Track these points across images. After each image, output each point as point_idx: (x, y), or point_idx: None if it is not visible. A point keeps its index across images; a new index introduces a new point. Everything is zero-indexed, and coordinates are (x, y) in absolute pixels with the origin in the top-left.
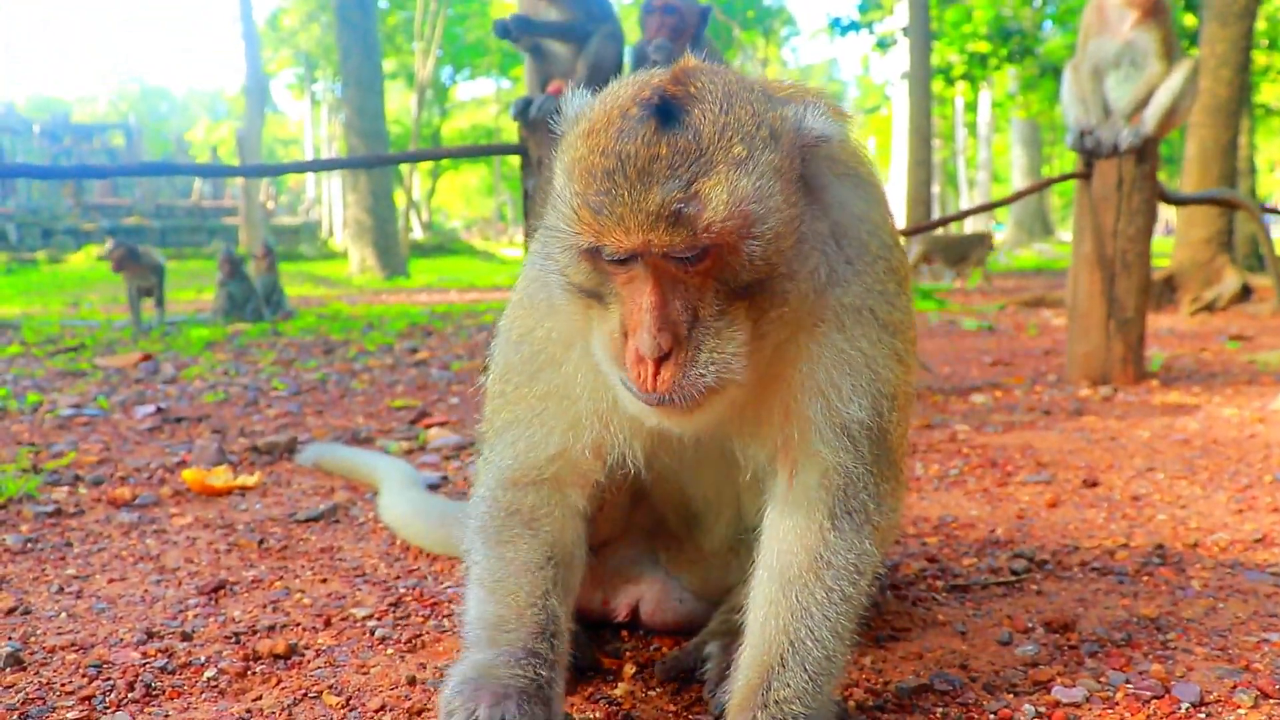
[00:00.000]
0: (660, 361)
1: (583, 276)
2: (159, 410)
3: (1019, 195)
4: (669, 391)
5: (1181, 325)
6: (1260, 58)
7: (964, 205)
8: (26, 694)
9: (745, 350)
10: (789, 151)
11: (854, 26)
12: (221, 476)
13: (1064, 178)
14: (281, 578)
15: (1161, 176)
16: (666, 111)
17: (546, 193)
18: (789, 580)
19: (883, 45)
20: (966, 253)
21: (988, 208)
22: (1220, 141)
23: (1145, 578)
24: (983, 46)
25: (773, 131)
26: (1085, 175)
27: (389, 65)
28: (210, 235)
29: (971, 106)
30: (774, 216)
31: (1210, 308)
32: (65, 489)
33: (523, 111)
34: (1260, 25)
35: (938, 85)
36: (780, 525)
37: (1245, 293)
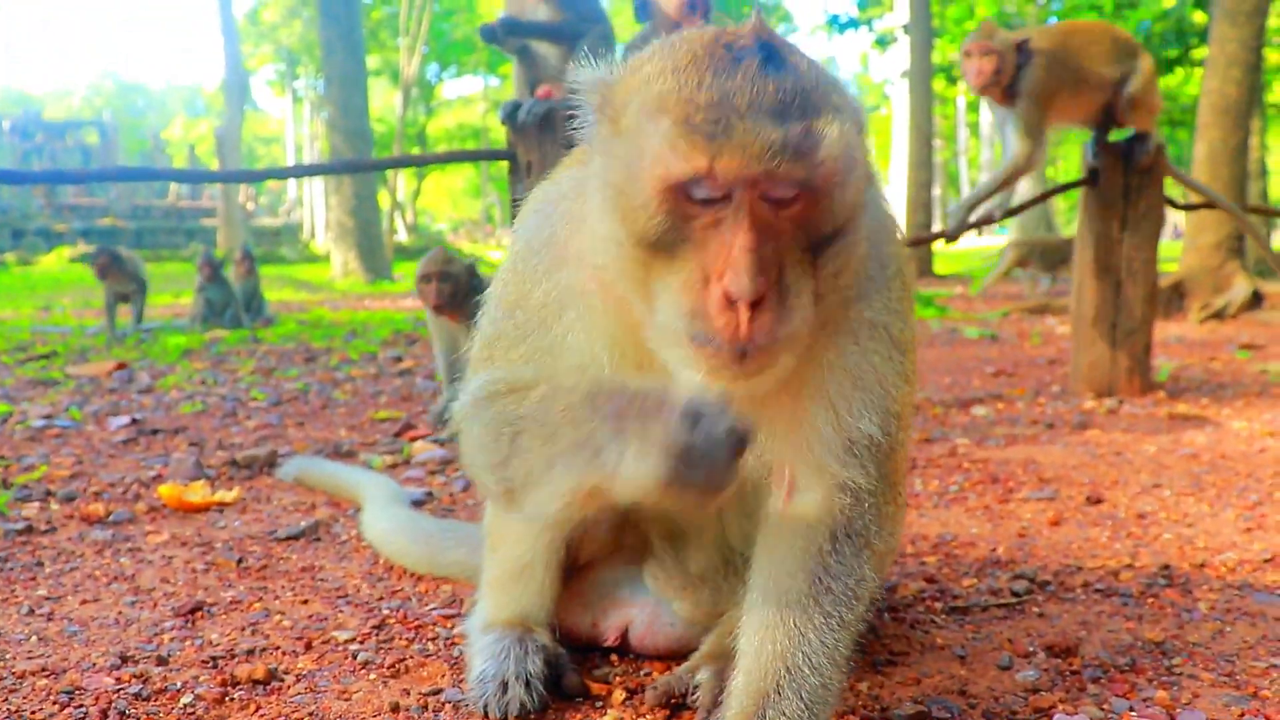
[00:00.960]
0: (754, 307)
1: (657, 221)
2: (134, 421)
3: (1025, 207)
4: (763, 338)
5: (1190, 333)
6: (1273, 56)
7: None
8: None
9: (811, 313)
10: (857, 120)
11: (853, 23)
12: (199, 492)
13: (1068, 186)
14: (261, 599)
15: (1169, 180)
16: (769, 51)
17: (612, 138)
18: (786, 605)
19: (882, 43)
20: (1066, 256)
21: (992, 221)
22: (1230, 143)
23: (1150, 599)
24: None
25: (847, 97)
26: (1090, 182)
27: (373, 62)
28: (188, 237)
29: (974, 106)
30: (860, 169)
31: (1220, 315)
32: (36, 505)
33: (511, 115)
34: (1273, 23)
35: (939, 84)
36: (778, 547)
37: (1256, 300)
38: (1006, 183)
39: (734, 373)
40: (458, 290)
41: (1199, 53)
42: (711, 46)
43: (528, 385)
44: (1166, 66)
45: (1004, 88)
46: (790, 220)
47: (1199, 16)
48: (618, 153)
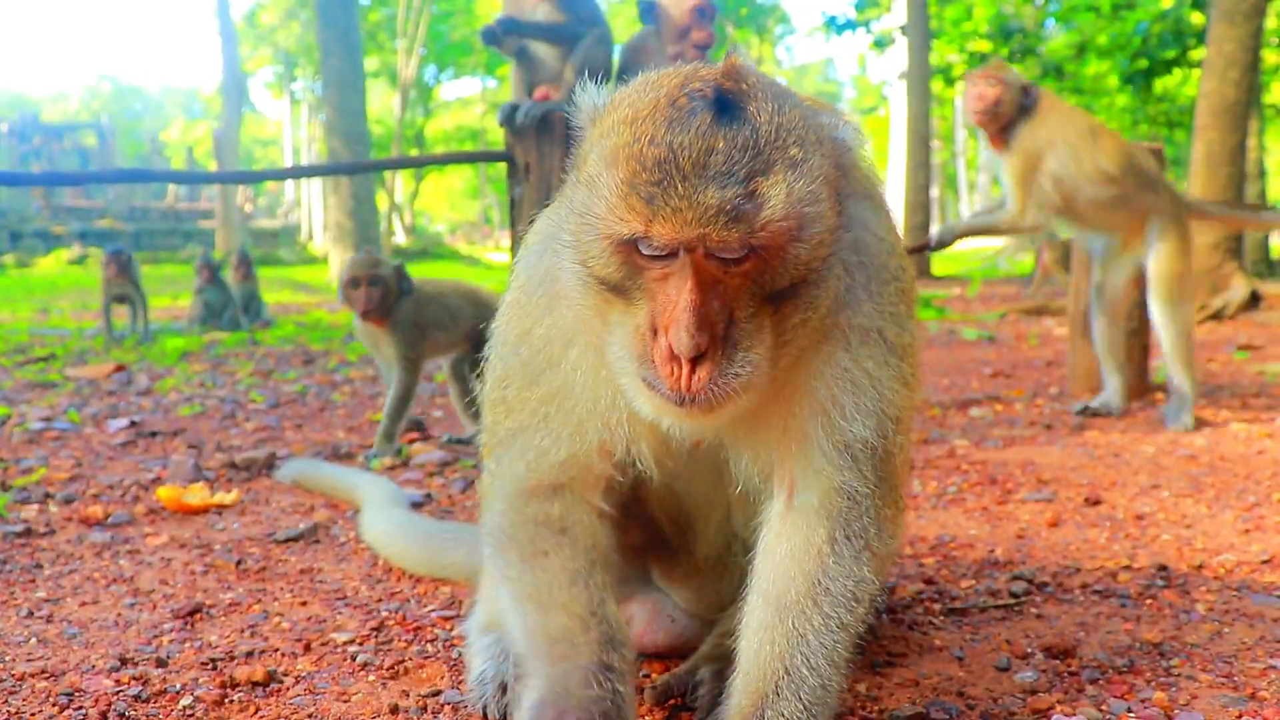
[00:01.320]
0: (694, 361)
1: (611, 269)
2: (133, 424)
3: None
4: (700, 392)
5: None
6: (1271, 57)
7: (963, 208)
8: None
9: (771, 356)
10: (830, 160)
11: (850, 25)
12: (198, 494)
13: None
14: (260, 600)
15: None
16: (724, 104)
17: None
18: (785, 606)
19: (880, 44)
20: None
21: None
22: (1228, 144)
23: (1148, 601)
24: (983, 45)
25: (818, 138)
26: None
27: (371, 64)
28: (186, 239)
29: None
30: (821, 222)
31: (1218, 316)
32: (35, 507)
33: (509, 117)
34: (1270, 24)
35: (937, 85)
36: (777, 548)
37: (1254, 300)
38: (996, 231)
39: (680, 414)
40: (387, 295)
41: (1196, 54)
42: (674, 94)
43: (555, 481)
44: (1164, 67)
45: (1000, 126)
46: (741, 276)
47: (1197, 17)
48: (579, 198)
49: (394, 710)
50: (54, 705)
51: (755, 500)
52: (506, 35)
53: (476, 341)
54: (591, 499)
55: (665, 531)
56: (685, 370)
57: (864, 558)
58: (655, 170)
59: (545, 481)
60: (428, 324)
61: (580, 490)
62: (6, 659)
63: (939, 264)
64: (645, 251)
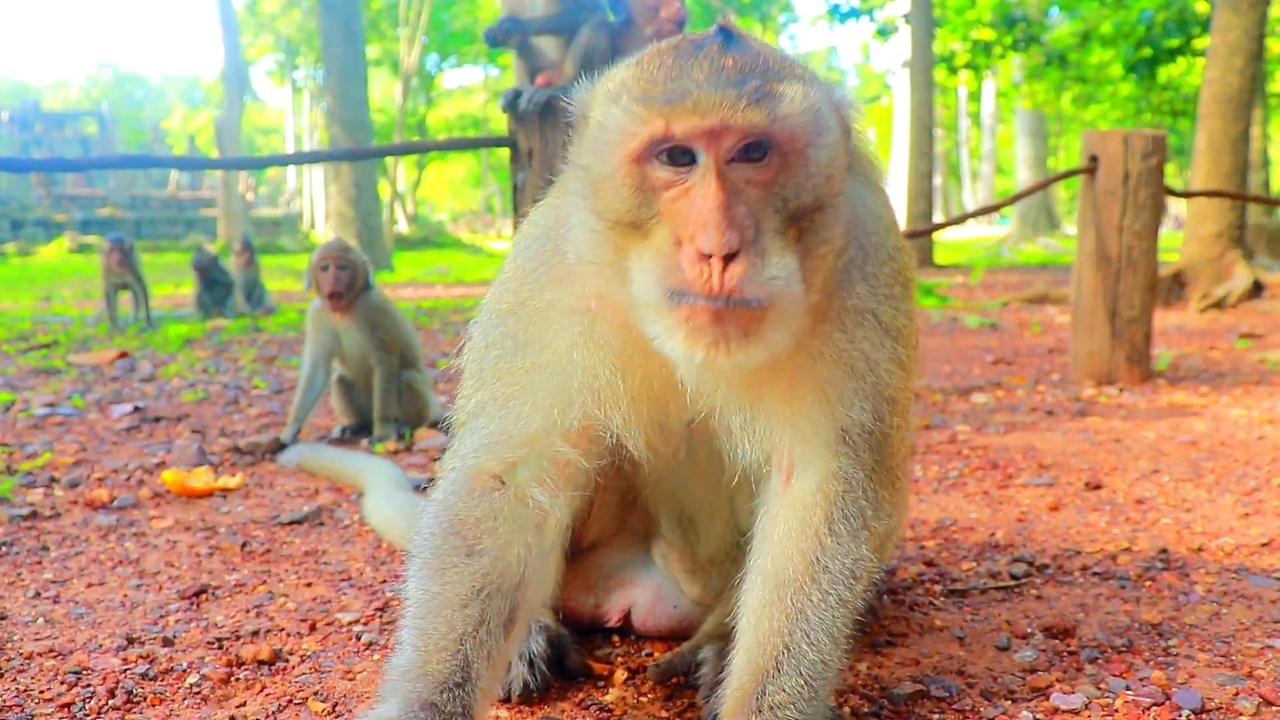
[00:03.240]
0: (727, 261)
1: (626, 196)
2: (136, 409)
3: (1023, 194)
4: (739, 287)
5: (1190, 322)
6: (1276, 45)
7: (966, 197)
8: (4, 701)
9: (803, 277)
10: (836, 111)
11: (854, 13)
12: (202, 478)
13: (1069, 174)
14: (265, 582)
15: (1170, 169)
16: (729, 36)
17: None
18: (783, 584)
19: (883, 33)
20: None
21: (993, 209)
22: (1231, 133)
23: (1148, 583)
24: (987, 34)
25: (825, 87)
26: (1090, 170)
27: (373, 52)
28: (188, 227)
29: (975, 96)
30: (833, 134)
31: (1220, 305)
32: (41, 491)
33: (512, 103)
34: (1275, 12)
35: (940, 74)
36: (775, 529)
37: (1257, 289)
38: None
39: (714, 336)
40: (355, 280)
41: (1200, 42)
42: (677, 43)
43: (520, 443)
44: (1168, 56)
45: None
46: (762, 185)
47: (1201, 5)
48: (588, 141)
49: None
50: (62, 683)
51: (758, 492)
52: (508, 36)
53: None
54: (531, 500)
55: (665, 528)
56: (718, 269)
57: (862, 536)
58: (671, 81)
59: (493, 467)
60: (387, 321)
61: (528, 481)
62: (15, 639)
63: (942, 252)
64: (664, 161)
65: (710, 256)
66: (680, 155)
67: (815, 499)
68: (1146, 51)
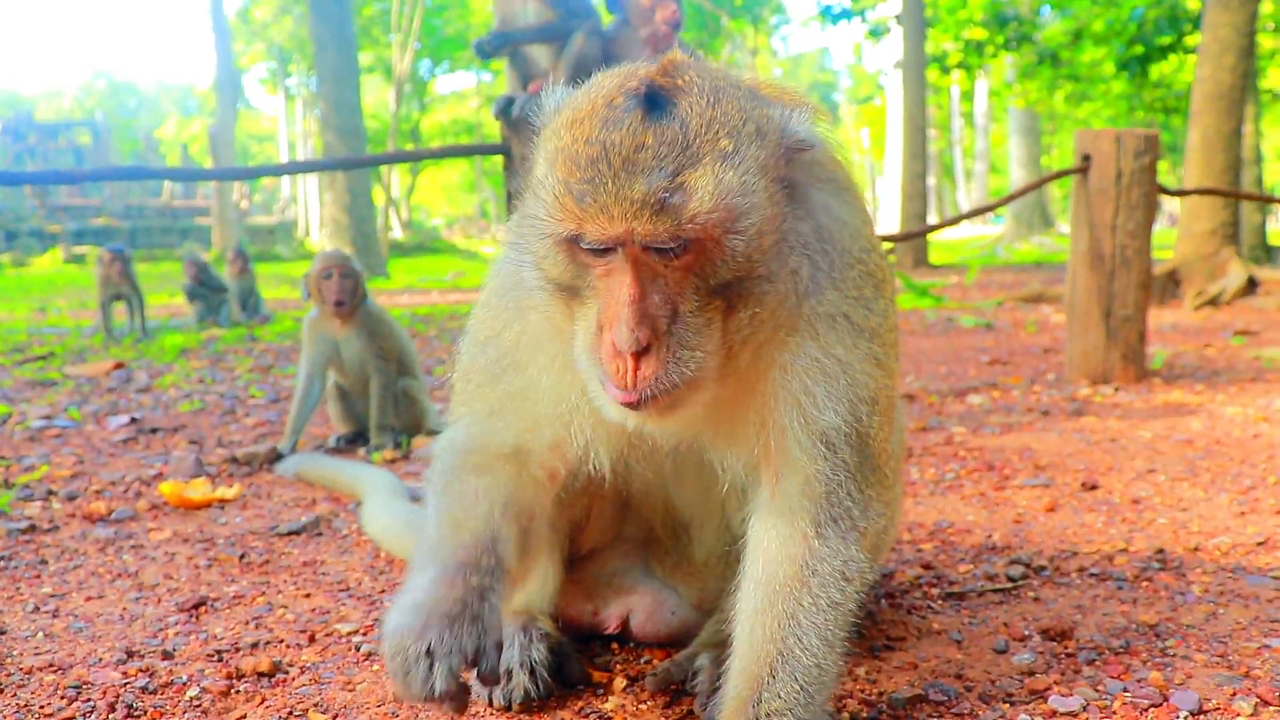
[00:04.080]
0: (639, 357)
1: (560, 269)
2: (133, 421)
3: (1017, 194)
4: (646, 387)
5: (1185, 320)
6: (1266, 41)
7: (960, 196)
8: (4, 716)
9: (721, 350)
10: (773, 151)
11: (846, 14)
12: (200, 489)
13: (1062, 174)
14: (264, 593)
15: (1164, 166)
16: (654, 101)
17: (528, 191)
18: (774, 590)
19: (875, 33)
20: None
21: (987, 209)
22: (1223, 130)
23: (1144, 583)
24: (979, 33)
25: (759, 129)
26: (1083, 170)
27: (365, 58)
28: (182, 236)
29: (968, 95)
30: (757, 213)
31: (1215, 302)
32: (38, 504)
33: (504, 110)
34: (1267, 8)
35: (933, 74)
36: (764, 535)
37: (1251, 286)
38: None
39: (637, 415)
40: (357, 289)
41: (1192, 39)
42: (611, 94)
43: (498, 452)
44: (1160, 53)
45: None
46: (681, 270)
47: (1193, 3)
48: (529, 201)
49: (398, 699)
50: (62, 698)
51: (748, 498)
52: (498, 50)
53: (400, 367)
54: (531, 468)
55: (660, 535)
56: (630, 366)
57: (850, 537)
58: (588, 169)
59: (488, 452)
60: (385, 330)
61: (521, 461)
62: (15, 653)
63: (937, 252)
64: (586, 248)
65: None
66: (596, 244)
67: (800, 504)
68: (1138, 49)
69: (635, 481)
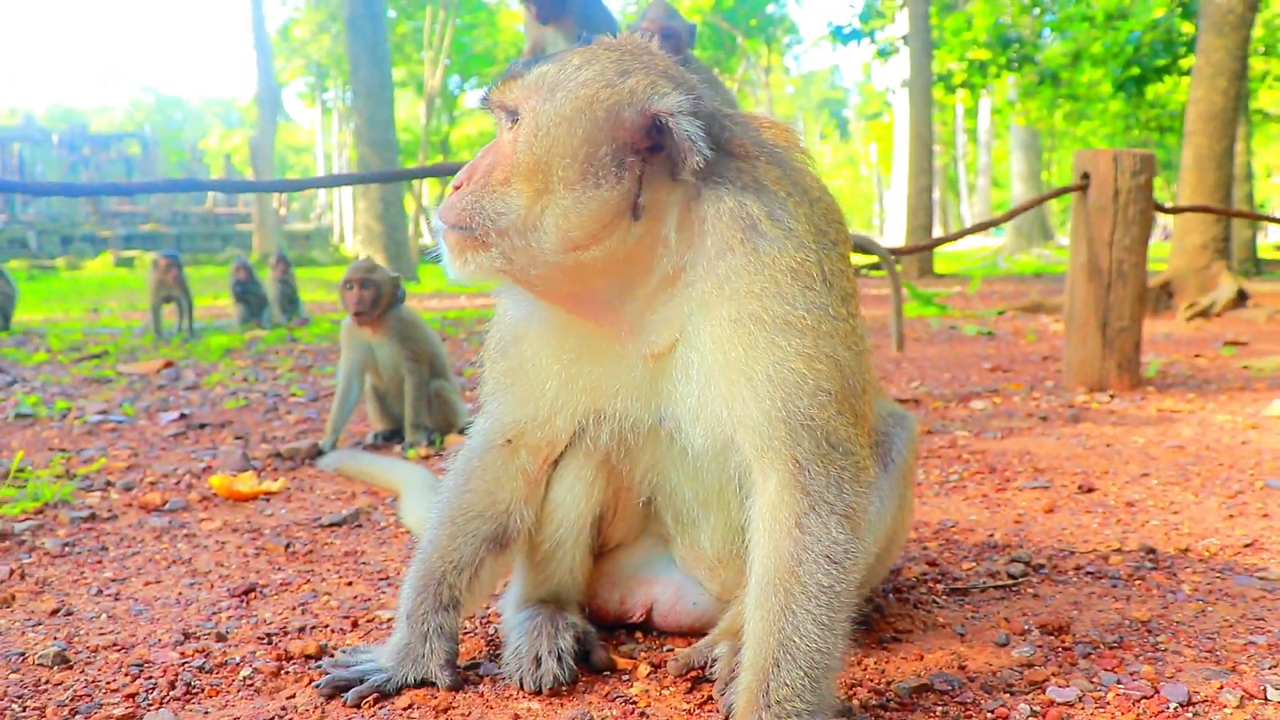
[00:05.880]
0: (456, 189)
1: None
2: (182, 416)
3: (1019, 210)
4: (449, 214)
5: (1178, 331)
6: (1258, 64)
7: (964, 209)
8: (75, 691)
9: (515, 218)
10: (614, 113)
11: (855, 35)
12: (247, 482)
13: (1062, 191)
14: (309, 580)
15: (1158, 183)
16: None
17: None
18: (768, 583)
19: (884, 53)
20: None
21: (992, 224)
22: (1216, 149)
23: (1138, 582)
24: (983, 54)
25: (607, 98)
26: (1082, 188)
27: (398, 74)
28: (224, 242)
29: (971, 113)
30: (565, 123)
31: (1206, 313)
32: (98, 494)
33: None
34: (1258, 32)
35: (938, 92)
36: (756, 529)
37: (1241, 298)
38: None
39: (443, 248)
40: (379, 299)
41: (1186, 62)
42: None
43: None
44: (1156, 75)
45: None
46: (512, 140)
47: (1187, 27)
48: None
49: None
50: (126, 675)
51: (744, 493)
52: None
53: (432, 369)
54: (524, 458)
55: (676, 527)
56: (449, 196)
57: (832, 521)
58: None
59: (500, 439)
60: (416, 334)
61: (528, 453)
62: (81, 633)
63: (941, 262)
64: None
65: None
66: None
67: (781, 496)
68: (1135, 71)
69: (648, 473)
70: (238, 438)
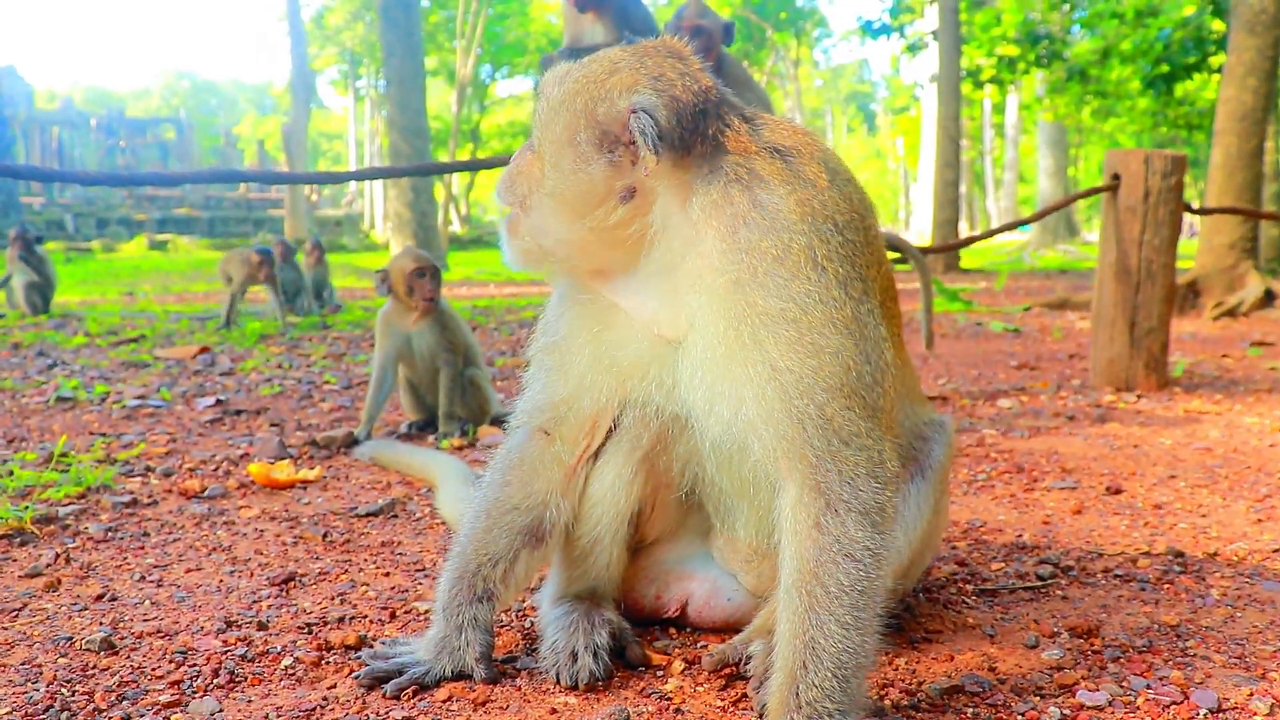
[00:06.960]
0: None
1: None
2: (219, 402)
3: (1050, 210)
4: (498, 191)
5: (1204, 330)
6: None
7: (990, 204)
8: (121, 677)
9: (529, 190)
10: (592, 115)
11: (885, 30)
12: (285, 470)
13: (1092, 191)
14: (346, 570)
15: (1185, 180)
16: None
17: None
18: (793, 585)
19: (913, 49)
20: None
21: (1021, 223)
22: (1246, 149)
23: (1166, 585)
24: (1011, 50)
25: (589, 92)
26: (1113, 188)
27: (430, 63)
28: (256, 226)
29: (999, 108)
30: (560, 145)
31: (1233, 313)
32: (138, 479)
33: None
34: None
35: (966, 87)
36: (782, 530)
37: (1269, 298)
38: None
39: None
40: (440, 287)
41: (1217, 60)
42: None
43: (553, 410)
44: (1185, 72)
45: None
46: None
47: (1218, 25)
48: None
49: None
50: (170, 661)
51: (774, 490)
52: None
53: (465, 359)
54: (574, 448)
55: (712, 521)
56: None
57: (850, 519)
58: None
59: (539, 423)
60: (454, 324)
61: (564, 443)
62: (126, 619)
63: (968, 257)
64: None
65: None
66: None
67: (800, 497)
68: (1164, 68)
69: (688, 464)
70: (273, 425)
